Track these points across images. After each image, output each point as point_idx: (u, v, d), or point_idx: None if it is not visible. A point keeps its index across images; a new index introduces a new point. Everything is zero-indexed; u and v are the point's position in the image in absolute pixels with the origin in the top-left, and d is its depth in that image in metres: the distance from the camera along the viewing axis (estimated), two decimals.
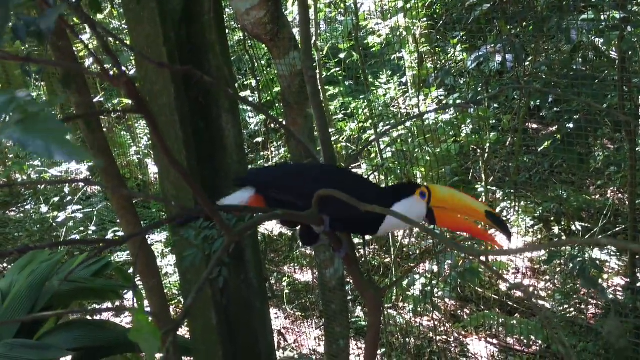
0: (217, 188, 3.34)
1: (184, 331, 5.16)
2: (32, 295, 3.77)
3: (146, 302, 3.37)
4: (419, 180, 6.41)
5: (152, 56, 3.12)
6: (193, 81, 3.12)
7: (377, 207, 1.18)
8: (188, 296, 3.45)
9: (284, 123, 3.44)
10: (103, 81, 8.16)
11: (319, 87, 6.88)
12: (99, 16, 6.55)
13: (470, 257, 5.35)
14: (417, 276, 5.19)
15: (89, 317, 6.05)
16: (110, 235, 6.49)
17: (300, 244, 1.64)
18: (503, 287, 5.77)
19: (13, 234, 7.63)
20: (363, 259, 5.41)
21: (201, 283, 0.92)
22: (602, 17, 3.99)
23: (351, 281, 4.25)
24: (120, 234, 5.67)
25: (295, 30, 4.71)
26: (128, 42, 3.77)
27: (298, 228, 1.58)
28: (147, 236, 6.40)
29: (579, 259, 4.27)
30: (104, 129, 8.49)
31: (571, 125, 3.86)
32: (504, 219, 5.72)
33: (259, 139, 7.95)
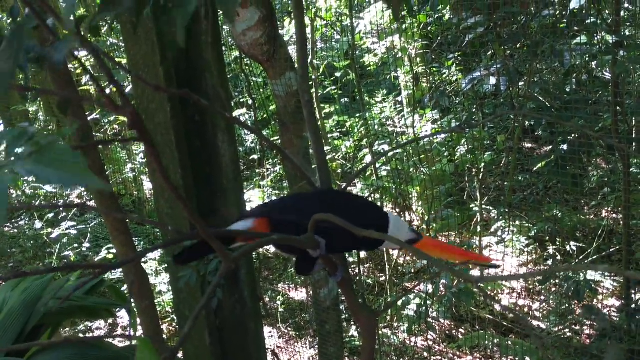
0: (213, 208, 3.34)
1: None
2: (25, 314, 3.74)
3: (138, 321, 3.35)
4: (413, 200, 6.43)
5: (149, 75, 3.13)
6: (189, 101, 3.13)
7: (373, 232, 1.19)
8: (181, 315, 3.43)
9: (280, 142, 3.45)
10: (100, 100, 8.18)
11: (315, 111, 6.93)
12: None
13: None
14: (411, 296, 5.18)
15: (81, 335, 6.00)
16: (104, 253, 6.45)
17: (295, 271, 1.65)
18: (498, 307, 5.76)
19: (6, 249, 7.59)
20: (357, 279, 5.40)
21: (196, 312, 0.92)
22: (595, 41, 4.04)
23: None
24: (115, 251, 5.65)
25: (292, 49, 4.74)
26: (125, 60, 3.79)
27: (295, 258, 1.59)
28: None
29: (573, 280, 4.28)
30: (100, 146, 8.50)
31: (565, 147, 3.89)
32: (499, 238, 5.74)
33: (255, 156, 7.96)
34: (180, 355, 4.23)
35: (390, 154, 5.64)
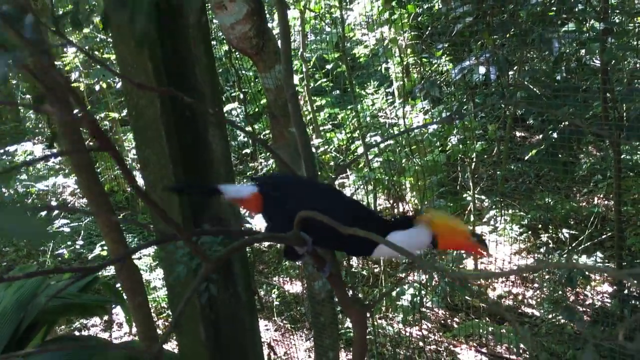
0: (205, 203, 3.33)
1: (172, 345, 5.12)
2: (19, 312, 3.73)
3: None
4: (407, 191, 6.44)
5: (137, 72, 3.11)
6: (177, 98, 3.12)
7: (358, 230, 1.18)
8: (176, 311, 3.43)
9: (271, 136, 3.44)
10: (90, 95, 8.14)
11: (301, 104, 6.86)
12: (85, 30, 6.54)
13: (459, 265, 5.38)
14: (406, 286, 5.20)
15: (77, 333, 6.00)
16: (98, 250, 6.44)
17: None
18: (493, 295, 5.79)
19: (0, 248, 7.56)
20: (350, 270, 5.41)
21: (181, 307, 0.92)
22: (584, 29, 4.05)
23: None
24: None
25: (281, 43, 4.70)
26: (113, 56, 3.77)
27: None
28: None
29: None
30: (91, 143, 8.43)
31: (555, 135, 3.90)
32: (492, 227, 5.76)
33: (248, 150, 7.95)
34: (176, 350, 4.24)
35: (383, 145, 5.64)
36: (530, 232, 6.14)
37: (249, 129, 6.33)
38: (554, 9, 4.10)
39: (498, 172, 5.60)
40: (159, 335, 4.47)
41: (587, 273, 4.48)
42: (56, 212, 7.04)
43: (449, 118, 4.07)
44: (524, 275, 6.03)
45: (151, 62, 3.08)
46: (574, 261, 4.43)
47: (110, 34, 3.33)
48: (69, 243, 6.76)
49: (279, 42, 3.66)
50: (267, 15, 4.15)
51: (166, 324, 5.97)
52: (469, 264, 5.78)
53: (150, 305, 4.02)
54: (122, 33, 3.10)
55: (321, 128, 7.13)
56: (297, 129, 1.58)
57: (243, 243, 1.28)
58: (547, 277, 5.59)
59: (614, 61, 4.16)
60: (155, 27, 3.05)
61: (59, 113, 2.60)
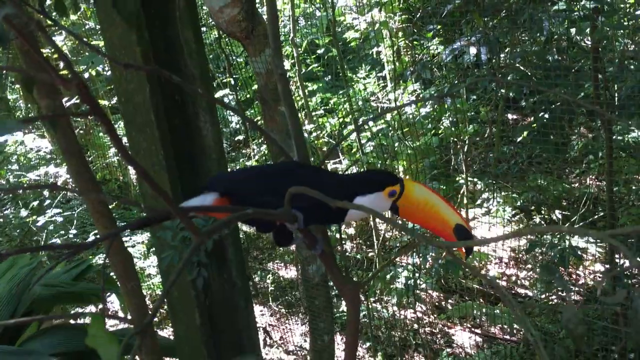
0: (196, 188, 3.32)
1: (168, 332, 5.14)
2: (13, 301, 3.73)
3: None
4: (400, 174, 6.45)
5: (126, 57, 3.08)
6: (162, 80, 3.10)
7: (347, 203, 1.19)
8: (170, 296, 3.44)
9: (262, 121, 3.42)
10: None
11: (293, 89, 6.82)
12: (73, 17, 6.48)
13: (453, 249, 5.39)
14: (400, 269, 5.22)
15: (72, 321, 6.00)
16: (91, 238, 6.42)
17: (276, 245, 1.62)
18: (487, 275, 5.81)
19: None
20: (340, 254, 5.42)
21: (166, 289, 0.91)
22: (575, 8, 4.03)
23: None
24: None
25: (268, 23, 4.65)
26: (102, 42, 3.73)
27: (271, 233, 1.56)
28: (127, 237, 6.35)
29: (559, 247, 4.33)
30: (82, 131, 8.39)
31: (547, 116, 3.90)
32: (485, 209, 5.78)
33: (240, 137, 7.93)
34: (171, 337, 4.25)
35: (375, 129, 5.63)
36: (523, 214, 6.17)
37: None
38: None
39: (490, 154, 5.60)
40: (154, 321, 4.47)
41: (579, 252, 4.50)
42: (49, 201, 7.01)
43: (438, 97, 4.06)
44: (518, 257, 6.07)
45: (139, 47, 3.06)
46: (567, 241, 4.45)
47: (98, 20, 3.29)
48: (62, 232, 6.74)
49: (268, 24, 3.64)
50: None
51: (161, 310, 5.97)
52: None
53: (144, 292, 4.02)
54: (110, 17, 3.07)
55: (313, 113, 7.11)
56: (287, 109, 1.57)
57: (232, 218, 1.28)
58: (539, 257, 5.62)
59: (605, 41, 4.16)
60: (143, 11, 3.03)
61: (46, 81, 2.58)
